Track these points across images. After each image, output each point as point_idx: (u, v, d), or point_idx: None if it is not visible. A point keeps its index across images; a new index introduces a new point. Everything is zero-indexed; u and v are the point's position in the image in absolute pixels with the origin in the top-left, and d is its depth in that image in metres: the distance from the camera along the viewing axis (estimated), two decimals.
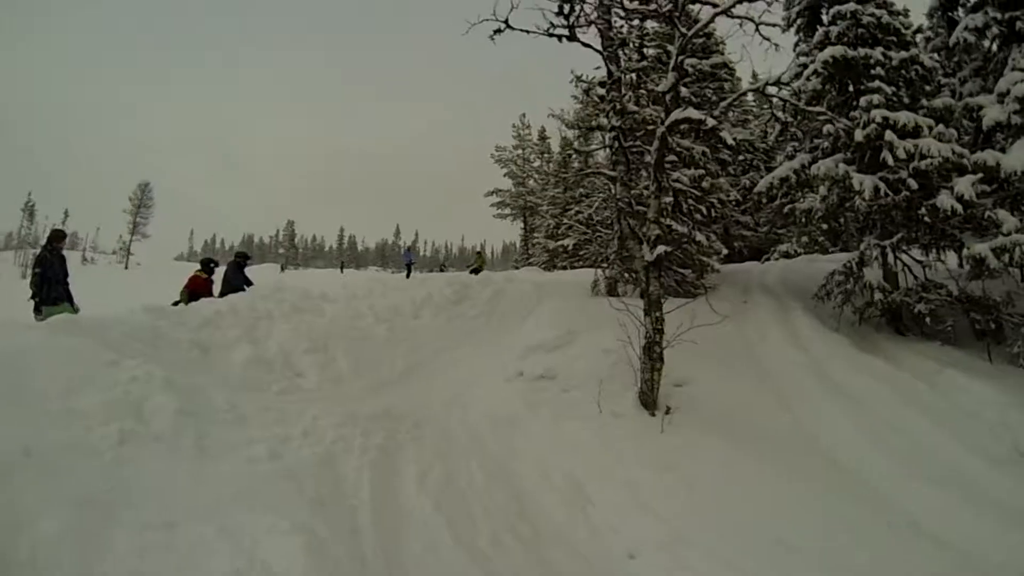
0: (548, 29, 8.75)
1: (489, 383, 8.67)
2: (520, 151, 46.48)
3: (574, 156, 27.86)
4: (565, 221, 29.06)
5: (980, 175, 9.44)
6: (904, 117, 9.80)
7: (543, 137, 47.05)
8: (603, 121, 11.01)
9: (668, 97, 8.26)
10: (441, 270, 50.24)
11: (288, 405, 6.73)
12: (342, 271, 64.59)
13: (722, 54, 18.73)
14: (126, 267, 67.09)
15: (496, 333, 11.05)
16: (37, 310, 9.81)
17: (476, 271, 25.58)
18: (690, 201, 13.57)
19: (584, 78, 14.04)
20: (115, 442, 4.62)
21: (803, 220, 11.84)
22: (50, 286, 9.99)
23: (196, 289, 11.52)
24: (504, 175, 45.95)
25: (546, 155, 46.45)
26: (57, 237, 10.55)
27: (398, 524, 4.68)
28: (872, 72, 10.57)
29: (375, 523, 4.52)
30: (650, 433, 6.84)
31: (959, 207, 9.23)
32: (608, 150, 10.47)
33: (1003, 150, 9.77)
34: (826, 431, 7.13)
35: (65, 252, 10.69)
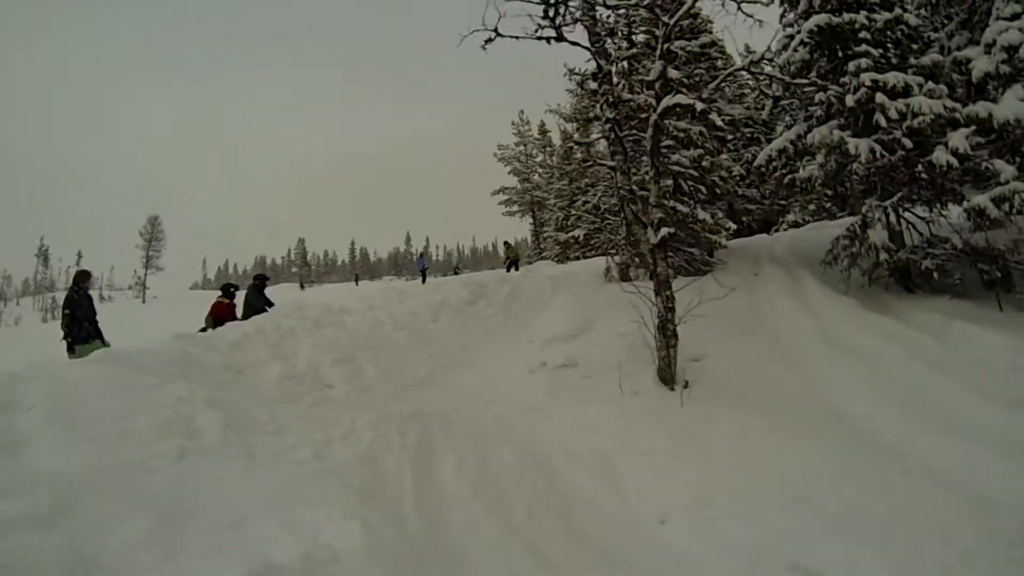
0: (536, 32, 8.98)
1: (513, 376, 9.04)
2: (522, 147, 46.75)
3: (576, 148, 27.99)
4: (573, 212, 29.22)
5: (974, 127, 9.53)
6: (893, 78, 9.90)
7: (543, 131, 47.28)
8: (598, 112, 11.21)
9: (657, 85, 8.46)
10: (455, 272, 50.41)
11: (323, 414, 7.03)
12: (356, 283, 64.78)
13: (711, 33, 18.79)
14: (143, 301, 67.70)
15: (515, 328, 11.36)
16: (70, 349, 10.16)
17: (513, 264, 25.97)
18: (689, 182, 13.73)
19: (577, 71, 14.26)
20: (174, 457, 4.98)
21: (804, 189, 11.96)
22: (80, 325, 10.35)
23: (220, 315, 11.83)
24: (509, 172, 46.26)
25: (548, 149, 46.62)
26: (82, 278, 10.93)
27: (439, 507, 4.97)
28: (858, 36, 10.63)
29: (418, 508, 4.82)
30: (670, 407, 7.10)
31: (955, 161, 9.33)
32: (607, 140, 10.64)
33: (995, 100, 9.85)
34: (836, 392, 7.34)
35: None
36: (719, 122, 9.95)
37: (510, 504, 5.22)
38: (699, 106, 8.16)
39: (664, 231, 7.98)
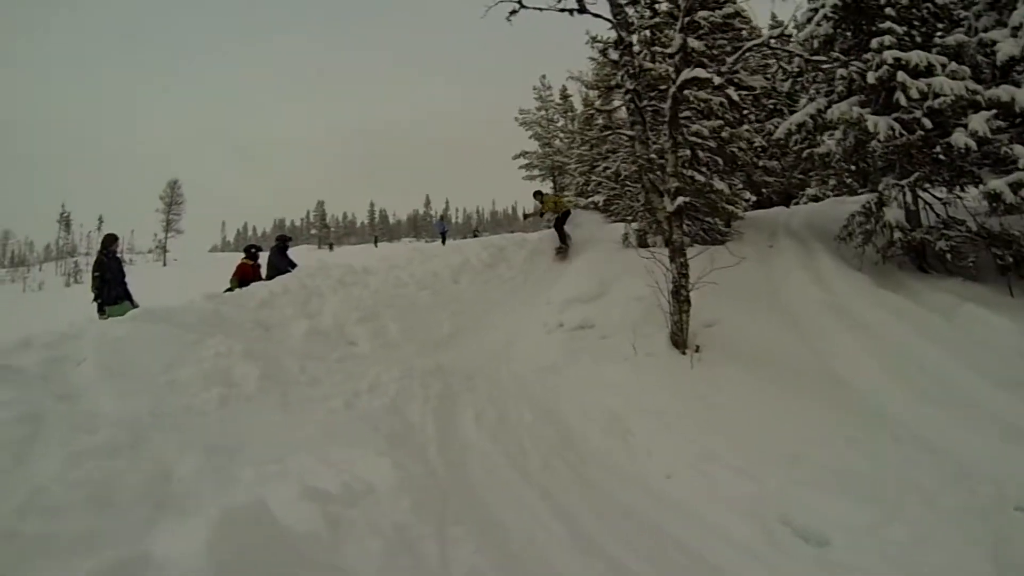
0: (559, 3, 9.13)
1: (531, 336, 9.42)
2: (543, 112, 46.47)
3: (597, 115, 27.73)
4: (594, 178, 29.09)
5: (995, 111, 9.50)
6: (916, 57, 9.89)
7: (565, 96, 46.90)
8: (620, 81, 11.29)
9: (678, 57, 8.60)
10: (475, 235, 50.69)
11: (350, 368, 7.54)
12: (376, 245, 65.05)
13: (735, 3, 18.55)
14: (163, 264, 68.44)
15: (534, 290, 11.70)
16: (101, 310, 10.54)
17: (562, 219, 15.27)
18: (708, 152, 13.79)
19: (599, 38, 14.27)
20: (217, 404, 5.55)
21: (823, 163, 12.00)
22: (110, 287, 10.75)
23: (245, 276, 12.13)
24: (530, 137, 45.99)
25: (569, 114, 46.40)
26: (110, 241, 11.30)
27: (461, 454, 5.41)
28: (883, 13, 10.57)
29: (441, 454, 5.24)
30: (681, 369, 7.42)
31: (973, 144, 9.32)
32: (627, 109, 10.72)
33: (1018, 85, 9.82)
34: (842, 362, 7.59)
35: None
36: (735, 97, 10.04)
37: (527, 455, 5.60)
38: (717, 80, 8.31)
39: (680, 200, 8.17)
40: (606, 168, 26.09)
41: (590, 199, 27.81)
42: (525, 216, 18.88)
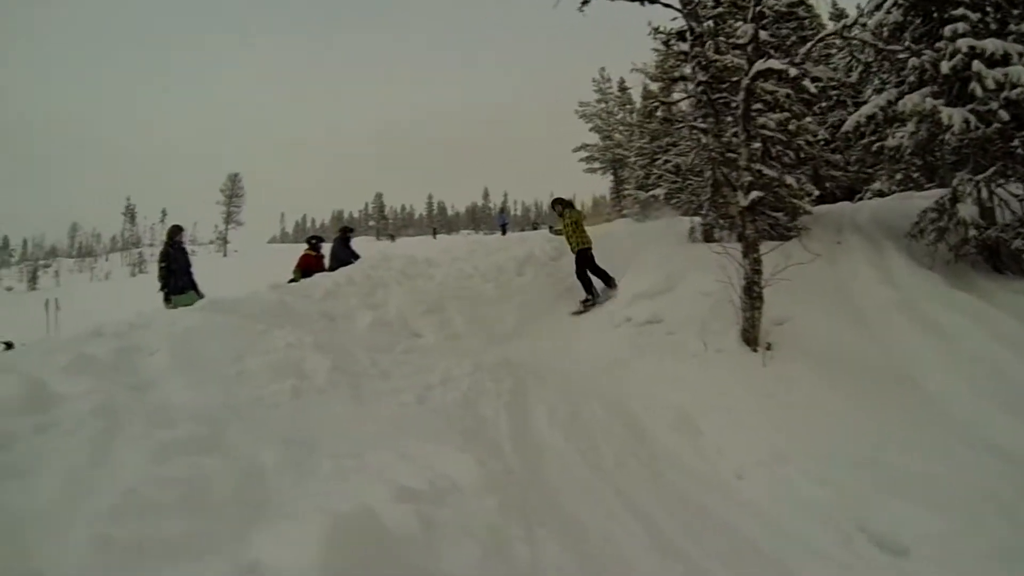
0: None
1: (598, 330, 9.40)
2: (603, 104, 46.42)
3: (660, 107, 27.40)
4: (655, 171, 28.83)
5: None
6: (991, 45, 9.46)
7: (623, 88, 46.78)
8: (685, 71, 11.12)
9: (749, 48, 8.45)
10: (534, 227, 50.80)
11: (417, 360, 7.58)
12: (435, 237, 65.63)
13: None
14: (224, 255, 70.23)
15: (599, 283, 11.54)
16: (167, 300, 10.84)
17: (584, 260, 12.23)
18: (778, 146, 13.57)
19: (661, 29, 14.12)
20: (289, 396, 5.55)
21: (892, 157, 11.70)
22: (176, 277, 11.09)
23: (308, 266, 12.34)
24: (590, 129, 46.05)
25: (627, 106, 46.21)
26: (175, 231, 11.68)
27: (536, 452, 5.37)
28: None
29: (516, 450, 5.23)
30: (752, 367, 7.27)
31: None
32: (695, 100, 10.57)
33: None
34: (914, 364, 7.32)
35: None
36: (813, 89, 9.80)
37: (599, 452, 5.55)
38: (792, 71, 8.13)
39: (754, 194, 8.04)
40: (666, 161, 25.88)
41: (650, 192, 27.60)
42: (553, 231, 13.55)
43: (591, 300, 10.92)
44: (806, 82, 8.84)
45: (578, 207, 12.59)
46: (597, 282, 11.23)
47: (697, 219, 14.39)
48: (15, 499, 2.95)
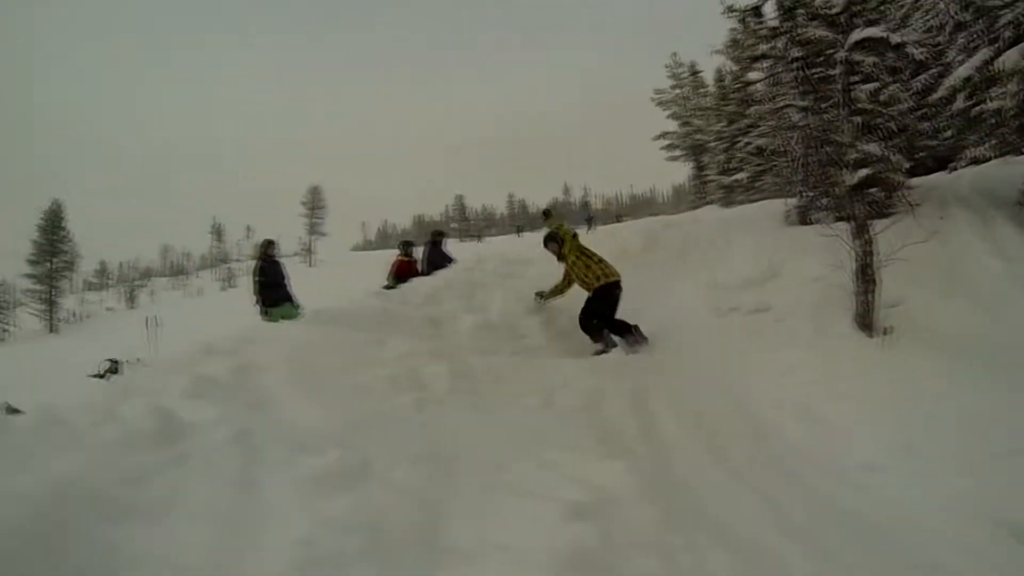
0: None
1: (704, 321, 9.23)
2: (679, 90, 46.03)
3: (741, 88, 26.78)
4: (737, 154, 28.38)
5: None
6: None
7: (694, 72, 46.30)
8: (784, 50, 10.76)
9: (843, 17, 8.15)
10: (617, 220, 50.71)
11: (529, 362, 7.54)
12: (519, 235, 66.07)
13: None
14: (310, 264, 72.40)
15: (695, 273, 11.35)
16: (264, 313, 11.09)
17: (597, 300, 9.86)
18: (878, 119, 13.07)
19: (735, 8, 13.72)
20: (413, 409, 5.51)
21: (995, 122, 11.16)
22: (271, 290, 11.30)
23: (402, 272, 12.46)
24: (667, 117, 45.78)
25: (701, 90, 45.75)
26: (267, 245, 11.90)
27: (667, 454, 5.23)
28: None
29: (650, 454, 5.12)
30: (870, 354, 6.98)
31: None
32: (795, 80, 10.20)
33: None
34: None
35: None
36: (919, 55, 9.31)
37: (728, 451, 5.37)
38: (894, 39, 7.79)
39: (862, 172, 7.76)
40: (747, 143, 25.34)
41: (733, 177, 27.19)
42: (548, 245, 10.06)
43: (605, 350, 8.58)
44: (910, 48, 8.41)
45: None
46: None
47: (792, 201, 14.01)
48: (163, 547, 2.73)
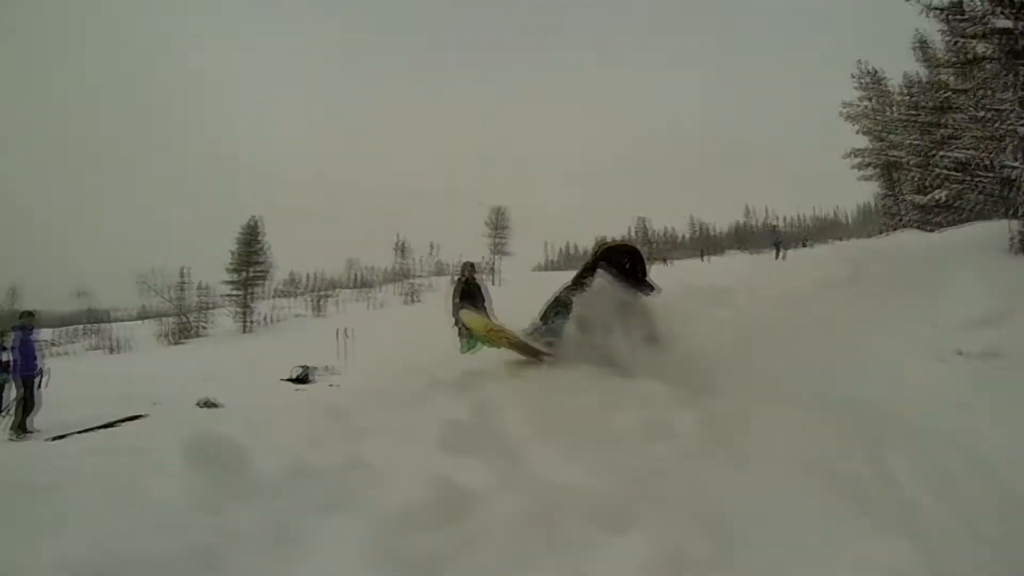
0: None
1: (922, 364, 8.42)
2: (868, 102, 43.96)
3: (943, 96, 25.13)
4: (937, 170, 26.68)
5: None
6: None
7: (877, 80, 44.21)
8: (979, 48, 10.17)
9: None
10: (803, 245, 49.39)
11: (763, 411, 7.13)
12: (703, 259, 65.78)
13: None
14: (495, 283, 74.62)
15: (904, 308, 10.69)
16: (461, 335, 11.75)
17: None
18: None
19: (934, 5, 12.98)
20: (673, 461, 5.38)
21: None
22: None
23: None
24: (857, 132, 43.83)
25: (883, 98, 43.61)
26: (469, 268, 12.55)
27: (916, 517, 4.90)
28: None
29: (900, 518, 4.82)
30: None
31: None
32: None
33: None
34: None
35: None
36: None
37: (978, 516, 4.97)
38: None
39: None
40: (943, 156, 23.82)
41: (929, 196, 25.63)
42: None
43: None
44: None
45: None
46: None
47: (1016, 225, 13.04)
48: None
